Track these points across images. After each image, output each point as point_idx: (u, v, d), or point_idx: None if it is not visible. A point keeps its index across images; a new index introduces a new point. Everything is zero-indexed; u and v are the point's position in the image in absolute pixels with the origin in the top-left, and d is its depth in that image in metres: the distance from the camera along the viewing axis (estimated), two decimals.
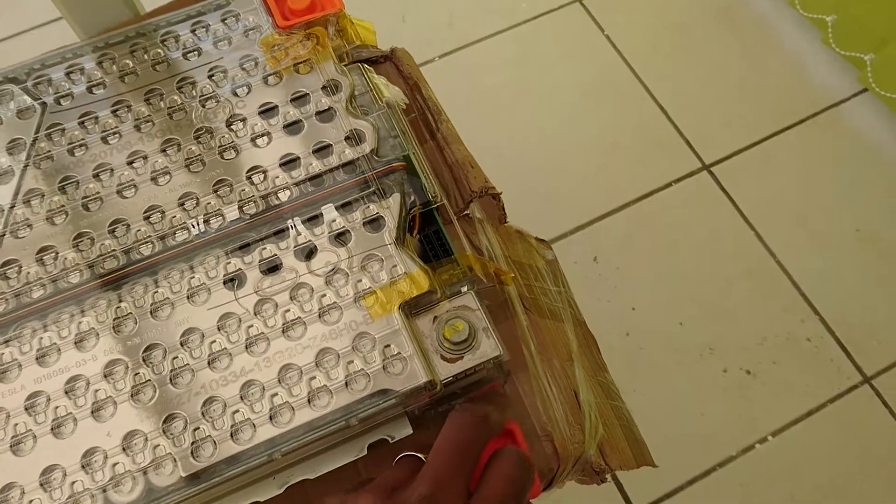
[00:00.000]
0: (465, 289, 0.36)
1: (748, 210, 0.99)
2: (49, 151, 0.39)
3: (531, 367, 0.40)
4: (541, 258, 0.50)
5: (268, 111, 0.39)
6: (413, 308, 0.35)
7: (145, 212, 0.37)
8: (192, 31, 0.42)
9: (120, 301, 0.35)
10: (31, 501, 0.31)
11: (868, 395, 0.89)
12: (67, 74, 0.41)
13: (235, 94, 0.40)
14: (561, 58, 1.10)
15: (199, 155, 0.38)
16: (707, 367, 0.90)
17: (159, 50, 0.42)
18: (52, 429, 0.32)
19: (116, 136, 0.39)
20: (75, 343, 0.34)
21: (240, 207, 0.37)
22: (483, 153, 0.50)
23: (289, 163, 0.38)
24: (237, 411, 0.32)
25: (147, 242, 0.36)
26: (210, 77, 0.41)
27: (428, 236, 0.39)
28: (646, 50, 1.10)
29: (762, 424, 0.87)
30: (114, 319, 0.34)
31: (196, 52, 0.41)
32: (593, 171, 1.01)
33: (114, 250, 0.36)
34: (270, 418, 0.32)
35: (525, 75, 1.09)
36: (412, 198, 0.38)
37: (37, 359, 0.34)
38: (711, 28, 1.12)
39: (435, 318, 0.35)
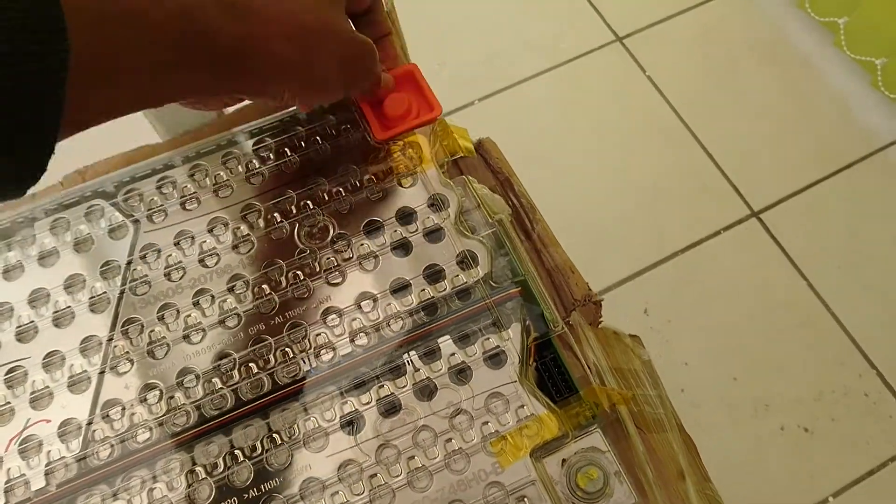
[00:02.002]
0: (592, 427, 0.34)
1: (798, 258, 0.97)
2: (145, 275, 0.37)
3: (650, 495, 0.38)
4: (637, 358, 0.48)
5: (373, 231, 0.38)
6: (541, 452, 0.33)
7: (251, 346, 0.35)
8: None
9: (233, 447, 0.33)
10: None
11: None
12: (159, 188, 0.39)
13: (338, 212, 0.38)
14: (602, 99, 1.09)
15: (304, 280, 0.36)
16: (763, 424, 0.88)
17: (253, 160, 0.40)
18: None
19: (214, 257, 0.37)
20: (187, 497, 0.32)
21: (351, 339, 0.35)
22: None
23: (399, 290, 0.36)
24: None
25: (256, 383, 0.34)
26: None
27: (545, 363, 0.37)
28: (688, 91, 1.08)
29: (822, 484, 0.85)
30: (227, 471, 0.32)
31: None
32: (640, 218, 1.00)
33: (221, 389, 0.34)
34: None
35: (566, 117, 1.07)
36: (527, 323, 0.36)
37: None
38: (755, 69, 1.10)
39: (563, 460, 0.33)
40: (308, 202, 0.38)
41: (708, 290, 0.95)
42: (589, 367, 0.41)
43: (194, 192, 0.39)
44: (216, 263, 0.37)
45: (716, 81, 1.09)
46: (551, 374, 0.37)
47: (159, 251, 0.37)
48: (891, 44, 0.99)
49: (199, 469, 0.33)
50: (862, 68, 1.04)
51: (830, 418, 0.88)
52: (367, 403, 0.34)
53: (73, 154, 0.39)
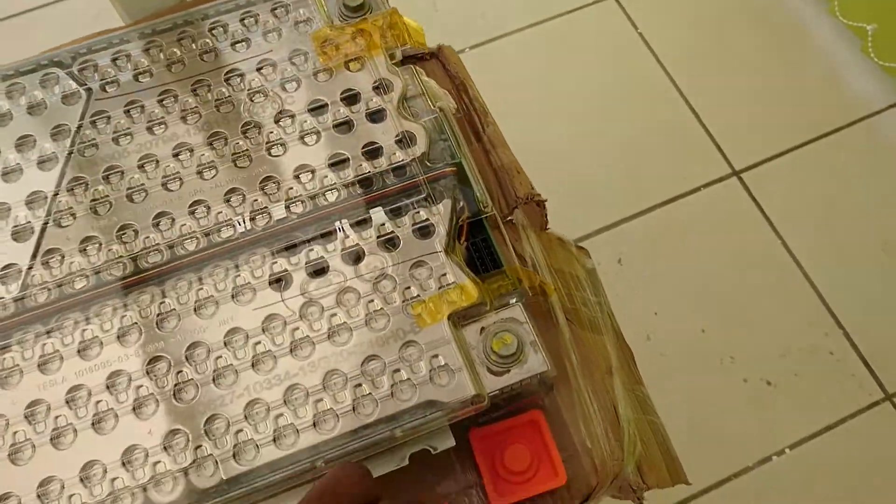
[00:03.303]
0: (513, 301, 0.35)
1: (776, 219, 0.97)
2: (94, 139, 0.38)
3: (573, 380, 0.40)
4: (580, 267, 0.49)
5: (317, 108, 0.39)
6: (460, 317, 0.34)
7: (190, 206, 0.36)
8: (241, 21, 0.41)
9: (164, 297, 0.34)
10: (71, 496, 0.31)
11: (889, 412, 0.88)
12: (114, 61, 0.40)
13: (284, 89, 0.39)
14: (593, 55, 1.09)
15: (247, 150, 0.38)
16: (727, 375, 0.89)
17: (207, 39, 0.41)
18: (92, 424, 0.32)
19: (162, 126, 0.38)
20: (118, 337, 0.34)
21: (287, 206, 0.36)
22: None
23: (338, 163, 0.37)
24: (281, 415, 0.32)
25: (192, 238, 0.35)
26: (259, 70, 0.40)
27: (475, 244, 0.38)
28: (680, 51, 1.08)
29: (780, 436, 0.86)
30: (157, 315, 0.34)
31: (245, 44, 0.41)
32: (621, 171, 1.00)
33: (158, 244, 0.35)
34: (314, 424, 0.32)
35: (556, 70, 1.08)
36: (461, 205, 0.37)
37: (78, 351, 0.33)
38: (748, 31, 1.10)
39: (482, 328, 0.35)
40: (256, 78, 0.39)
41: (683, 245, 0.96)
42: (525, 260, 0.42)
43: (148, 67, 0.40)
44: (164, 132, 0.38)
45: (707, 42, 1.09)
46: (481, 256, 0.38)
47: (109, 118, 0.39)
48: (883, 10, 0.99)
49: (130, 314, 0.34)
50: (853, 34, 1.04)
51: (794, 374, 0.89)
52: (296, 264, 0.35)
53: (38, 41, 0.41)
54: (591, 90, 1.06)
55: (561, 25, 1.11)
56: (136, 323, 0.34)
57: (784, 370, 0.90)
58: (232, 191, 0.37)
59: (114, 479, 0.31)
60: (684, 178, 1.00)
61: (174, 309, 0.34)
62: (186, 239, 0.35)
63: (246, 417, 0.32)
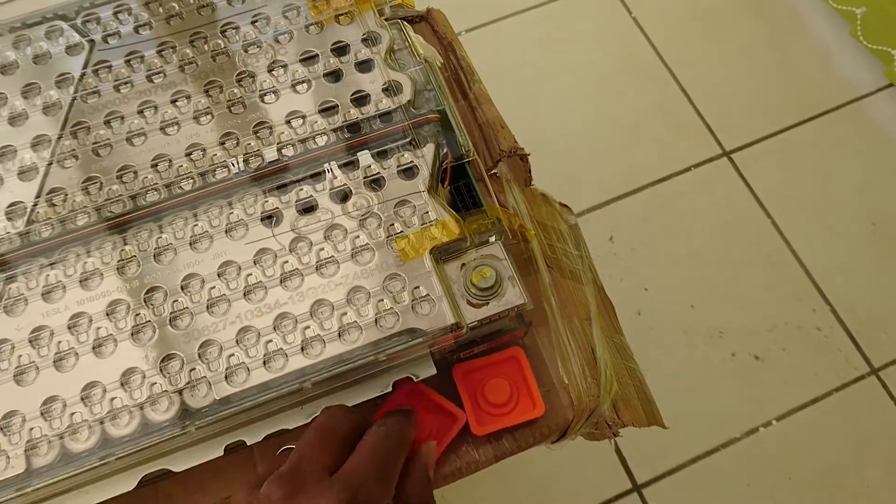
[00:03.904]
0: (492, 238, 0.37)
1: (766, 198, 0.99)
2: (96, 87, 0.40)
3: (552, 321, 0.42)
4: (563, 222, 0.51)
5: (308, 59, 0.40)
6: (442, 254, 0.36)
7: (187, 149, 0.38)
8: None
9: (161, 232, 0.36)
10: (73, 414, 0.33)
11: (874, 386, 0.89)
12: (115, 14, 0.42)
13: (277, 41, 0.41)
14: (587, 38, 1.11)
15: (241, 98, 0.39)
16: (716, 350, 0.91)
17: None
18: (93, 348, 0.34)
19: (161, 75, 0.40)
20: (117, 269, 0.35)
21: (278, 149, 0.38)
22: None
23: (327, 109, 0.39)
24: (270, 341, 0.34)
25: (188, 178, 0.37)
26: (253, 23, 0.42)
27: (458, 189, 0.40)
28: (673, 34, 1.10)
29: (767, 409, 0.88)
30: (154, 249, 0.36)
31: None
32: (613, 151, 1.02)
33: (156, 184, 0.37)
34: (302, 349, 0.34)
35: (551, 53, 1.10)
36: (445, 150, 0.39)
37: (80, 282, 0.35)
38: (740, 15, 1.11)
39: (463, 264, 0.36)
40: (251, 31, 0.41)
41: (674, 223, 0.98)
42: (507, 210, 0.44)
43: (148, 20, 0.42)
44: (162, 80, 0.40)
45: (698, 25, 1.11)
46: (464, 200, 0.40)
47: (111, 67, 0.40)
48: None
49: (129, 248, 0.36)
50: (843, 17, 1.06)
51: (781, 349, 0.91)
52: (287, 202, 0.37)
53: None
54: (585, 72, 1.08)
55: (556, 9, 1.13)
56: (134, 256, 0.36)
57: (772, 345, 0.91)
58: (227, 135, 0.38)
59: (112, 399, 0.33)
60: (675, 158, 1.02)
61: (171, 243, 0.36)
62: (183, 179, 0.37)
63: (238, 343, 0.34)
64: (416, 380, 0.36)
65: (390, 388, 0.36)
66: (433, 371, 0.36)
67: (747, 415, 0.88)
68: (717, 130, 1.03)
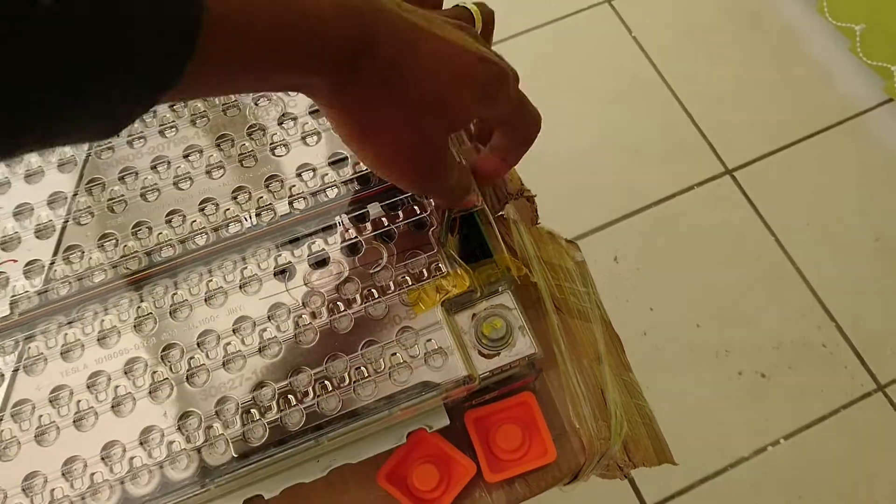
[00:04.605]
0: (502, 288, 0.37)
1: (769, 215, 1.00)
2: (110, 143, 0.41)
3: (561, 365, 0.42)
4: (570, 259, 0.51)
5: (317, 111, 0.41)
6: (453, 305, 0.37)
7: (200, 203, 0.39)
8: None
9: (176, 288, 0.37)
10: (93, 475, 0.33)
11: (881, 402, 0.90)
12: None
13: (287, 94, 0.42)
14: (588, 58, 1.11)
15: (252, 151, 0.40)
16: (722, 368, 0.92)
17: None
18: (112, 407, 0.34)
19: (173, 129, 0.41)
20: (134, 327, 0.36)
21: (290, 203, 0.39)
22: None
23: (337, 161, 0.40)
24: (286, 397, 0.34)
25: (202, 233, 0.38)
26: None
27: (467, 236, 0.40)
28: (673, 53, 1.11)
29: (774, 427, 0.88)
30: (170, 305, 0.36)
31: None
32: (616, 171, 1.03)
33: (170, 239, 0.38)
34: (318, 405, 0.34)
35: (552, 74, 1.10)
36: None
37: (98, 340, 0.36)
38: (739, 33, 1.12)
39: (473, 315, 0.37)
40: None
41: (678, 242, 0.98)
42: (515, 252, 0.45)
43: None
44: (175, 134, 0.41)
45: (699, 44, 1.12)
46: (473, 248, 0.40)
47: None
48: (870, 10, 1.01)
49: (145, 304, 0.36)
50: (842, 34, 1.07)
51: (788, 366, 0.91)
52: (299, 256, 0.37)
53: None
54: (587, 92, 1.09)
55: (557, 29, 1.13)
56: (150, 313, 0.36)
57: (778, 363, 0.92)
58: (239, 189, 0.39)
59: (132, 458, 0.34)
60: (678, 176, 1.02)
61: (186, 300, 0.37)
62: (197, 234, 0.38)
63: (254, 399, 0.34)
64: (429, 431, 0.36)
65: (404, 440, 0.36)
66: (446, 422, 0.36)
67: (755, 434, 0.88)
68: (719, 148, 1.04)
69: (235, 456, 0.33)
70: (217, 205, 0.39)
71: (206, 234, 0.38)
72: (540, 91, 1.08)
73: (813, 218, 1.00)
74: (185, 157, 0.40)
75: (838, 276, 0.96)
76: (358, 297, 0.36)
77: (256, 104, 0.41)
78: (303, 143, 0.40)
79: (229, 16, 0.23)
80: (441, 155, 0.32)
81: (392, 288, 0.37)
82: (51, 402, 0.35)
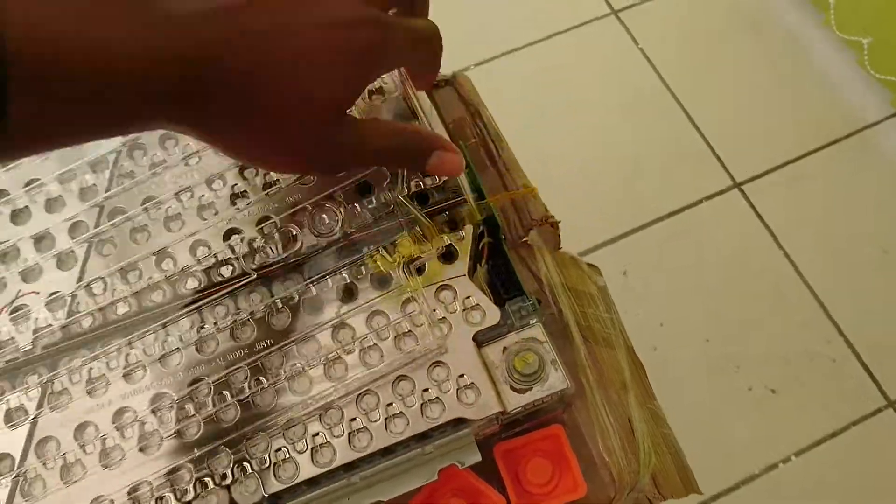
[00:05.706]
0: (533, 321, 0.37)
1: (777, 229, 1.00)
2: (131, 171, 0.40)
3: (589, 396, 0.42)
4: (593, 284, 0.51)
5: None
6: (484, 338, 0.36)
7: (225, 237, 0.38)
8: None
9: (202, 322, 0.36)
10: None
11: (892, 418, 0.90)
12: None
13: None
14: (595, 70, 1.11)
15: (277, 180, 0.39)
16: (732, 384, 0.91)
17: None
18: (139, 446, 0.34)
19: (196, 157, 0.40)
20: (159, 360, 0.35)
21: (317, 235, 0.38)
22: None
23: (363, 193, 0.39)
24: (317, 434, 0.34)
25: (228, 265, 0.37)
26: None
27: (495, 265, 0.40)
28: (680, 65, 1.11)
29: (786, 443, 0.88)
30: (196, 339, 0.36)
31: None
32: (624, 185, 1.02)
33: (195, 270, 0.37)
34: (349, 442, 0.34)
35: (558, 86, 1.10)
36: (481, 229, 0.39)
37: (123, 376, 0.35)
38: (747, 46, 1.12)
39: (504, 348, 0.36)
40: None
41: (687, 256, 0.98)
42: (540, 280, 0.44)
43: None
44: (197, 162, 0.40)
45: (707, 56, 1.12)
46: (500, 276, 0.40)
47: (145, 151, 0.41)
48: (878, 23, 1.01)
49: (171, 339, 0.36)
50: (849, 48, 1.07)
51: (797, 381, 0.91)
52: (328, 289, 0.37)
53: None
54: (593, 105, 1.08)
55: (563, 42, 1.13)
56: (177, 347, 0.36)
57: (788, 377, 0.92)
58: (264, 219, 0.38)
59: (161, 498, 0.33)
60: (686, 190, 1.02)
61: (212, 333, 0.36)
62: (223, 265, 0.37)
63: (284, 436, 0.34)
64: (461, 467, 0.36)
65: (435, 477, 0.35)
66: (478, 458, 0.36)
67: (766, 450, 0.88)
68: (727, 162, 1.04)
69: (266, 496, 0.33)
70: (242, 237, 0.38)
71: (232, 265, 0.37)
72: (545, 104, 1.08)
73: (821, 231, 1.00)
74: (208, 185, 0.40)
75: (847, 290, 0.96)
76: (388, 330, 0.36)
77: None
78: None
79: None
80: (323, 144, 0.32)
81: (422, 322, 0.36)
82: (76, 439, 0.34)
